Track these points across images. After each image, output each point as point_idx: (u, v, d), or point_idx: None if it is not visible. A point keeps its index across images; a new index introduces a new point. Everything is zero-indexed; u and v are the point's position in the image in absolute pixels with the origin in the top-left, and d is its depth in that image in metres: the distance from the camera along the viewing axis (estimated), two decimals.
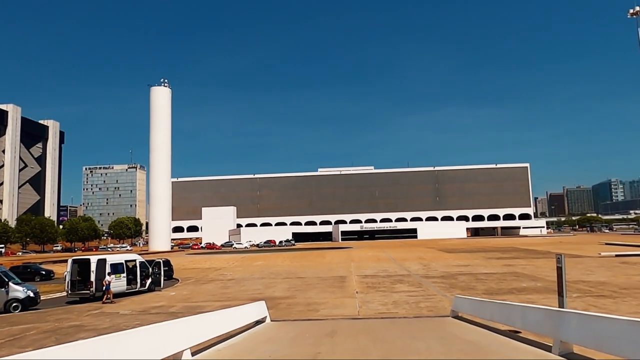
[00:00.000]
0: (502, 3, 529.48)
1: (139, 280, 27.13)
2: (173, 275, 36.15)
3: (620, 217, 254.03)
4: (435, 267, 37.30)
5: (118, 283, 25.35)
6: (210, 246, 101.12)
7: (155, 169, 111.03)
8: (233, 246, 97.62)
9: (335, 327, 13.75)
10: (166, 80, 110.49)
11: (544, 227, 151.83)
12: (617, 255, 43.54)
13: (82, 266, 25.39)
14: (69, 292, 25.07)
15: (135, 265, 27.45)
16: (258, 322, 14.68)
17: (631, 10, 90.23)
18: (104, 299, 23.39)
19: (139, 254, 34.69)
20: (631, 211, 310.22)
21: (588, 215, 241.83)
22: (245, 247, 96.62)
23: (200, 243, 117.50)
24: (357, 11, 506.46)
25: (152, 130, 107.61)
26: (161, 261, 29.19)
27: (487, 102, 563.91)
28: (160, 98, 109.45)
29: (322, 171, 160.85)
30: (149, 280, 27.96)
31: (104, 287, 23.46)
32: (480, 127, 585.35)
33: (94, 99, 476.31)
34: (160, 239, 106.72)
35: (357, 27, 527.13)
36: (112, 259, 26.22)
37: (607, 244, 65.24)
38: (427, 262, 43.49)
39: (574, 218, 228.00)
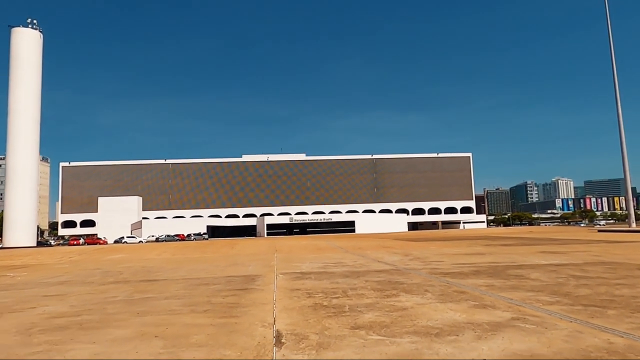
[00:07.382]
0: (429, 16, 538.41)
1: None
2: None
3: (547, 215, 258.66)
4: (430, 258, 19.73)
5: None
6: (93, 241, 77.65)
7: (14, 136, 79.61)
8: (124, 241, 75.02)
9: None
10: (35, 21, 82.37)
11: (484, 222, 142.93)
12: None
13: None
14: None
15: None
16: None
17: None
18: None
19: None
20: (549, 211, 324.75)
21: (518, 213, 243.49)
22: (140, 242, 74.49)
23: (81, 238, 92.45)
24: (284, 13, 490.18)
25: (11, 84, 77.44)
26: None
27: (411, 109, 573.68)
28: (25, 43, 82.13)
29: (246, 158, 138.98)
30: None
31: None
32: (406, 132, 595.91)
33: None
34: (20, 231, 75.98)
35: (283, 30, 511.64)
36: None
37: (599, 231, 52.40)
38: (404, 251, 25.96)
39: (505, 216, 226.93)
